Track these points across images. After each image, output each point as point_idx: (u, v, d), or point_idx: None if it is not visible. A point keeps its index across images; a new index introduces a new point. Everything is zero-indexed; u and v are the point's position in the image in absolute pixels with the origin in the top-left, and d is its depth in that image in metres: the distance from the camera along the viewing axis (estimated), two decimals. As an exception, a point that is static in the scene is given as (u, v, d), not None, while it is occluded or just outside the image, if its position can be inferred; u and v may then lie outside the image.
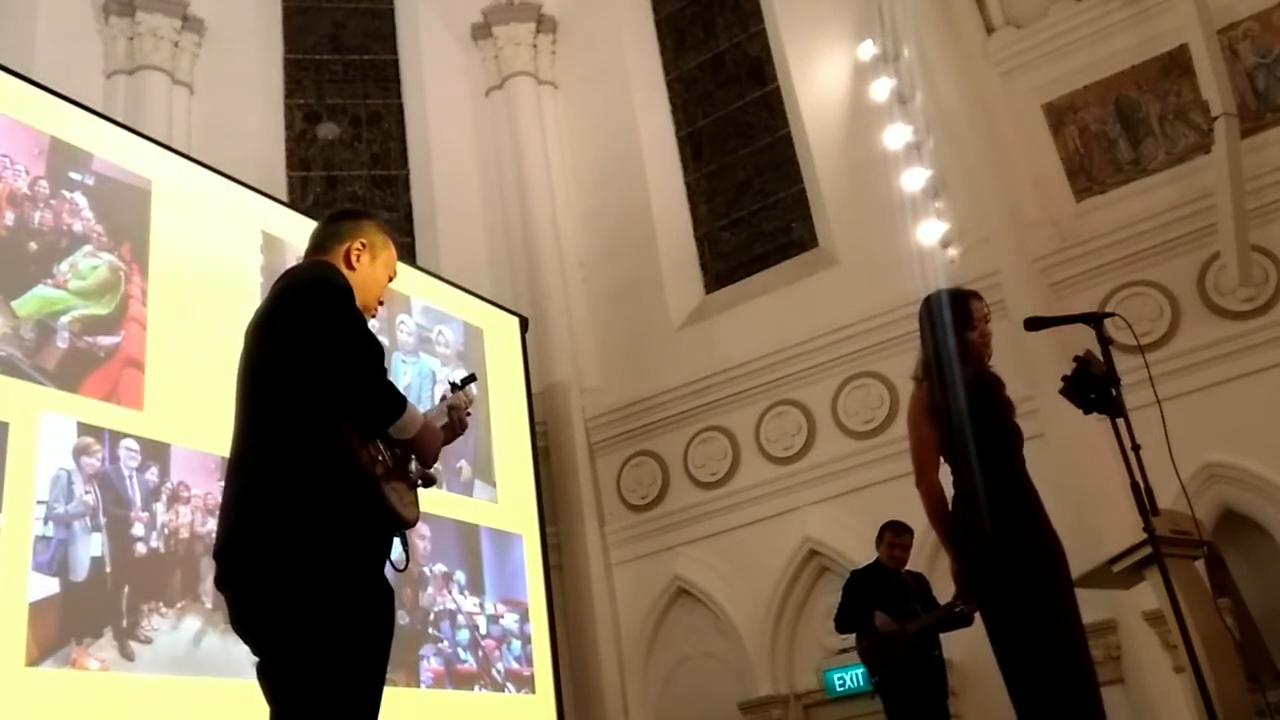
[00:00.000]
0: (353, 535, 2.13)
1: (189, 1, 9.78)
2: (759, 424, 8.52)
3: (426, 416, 2.33)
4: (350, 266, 2.45)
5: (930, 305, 3.37)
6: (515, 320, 8.55)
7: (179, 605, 5.23)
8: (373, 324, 2.39)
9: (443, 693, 6.54)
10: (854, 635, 5.39)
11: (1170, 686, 6.22)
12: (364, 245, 2.49)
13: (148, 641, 5.02)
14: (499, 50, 10.48)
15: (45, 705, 4.57)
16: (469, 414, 2.53)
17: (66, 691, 4.66)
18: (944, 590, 5.71)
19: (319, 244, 2.49)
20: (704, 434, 8.76)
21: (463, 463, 7.28)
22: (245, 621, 2.13)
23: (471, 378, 2.62)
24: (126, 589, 5.04)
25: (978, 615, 3.30)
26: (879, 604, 5.24)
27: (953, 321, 3.31)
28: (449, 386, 2.56)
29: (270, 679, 2.10)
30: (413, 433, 2.24)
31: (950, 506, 3.23)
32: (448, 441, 2.40)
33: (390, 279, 2.58)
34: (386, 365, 2.56)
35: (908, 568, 5.59)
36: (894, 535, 5.52)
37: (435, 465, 2.35)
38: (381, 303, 2.58)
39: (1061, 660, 3.00)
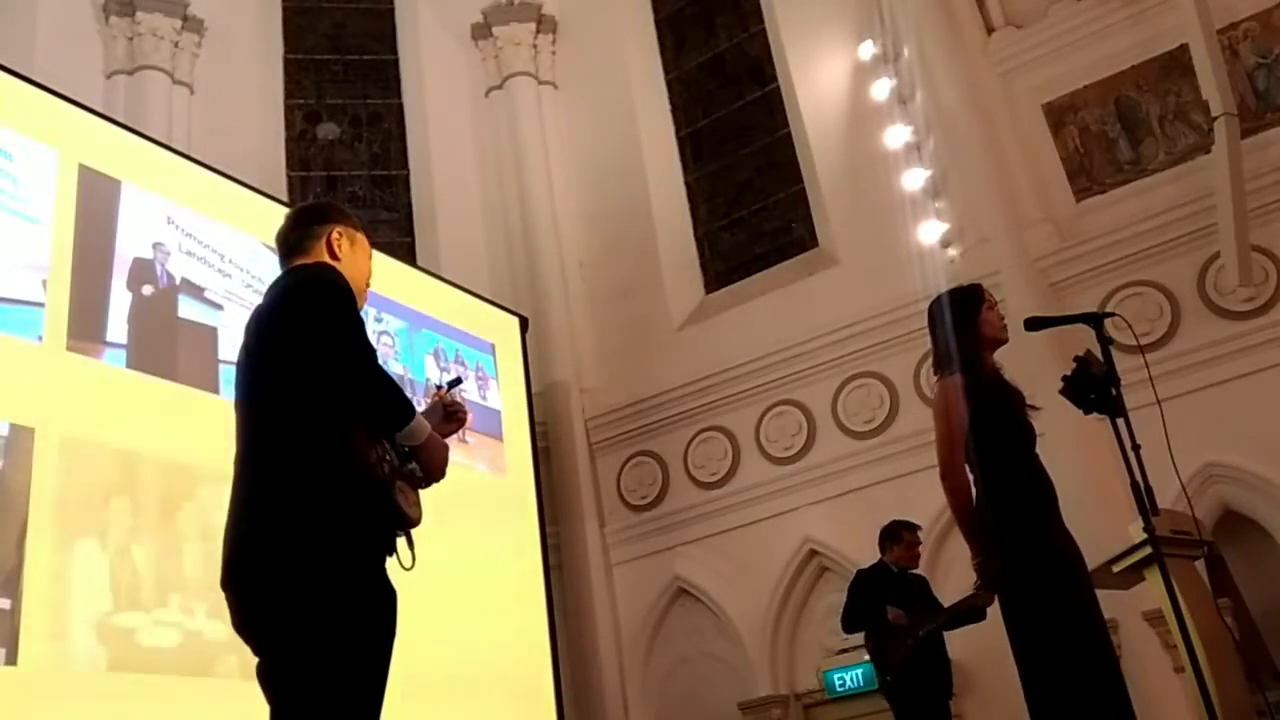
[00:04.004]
0: (360, 535, 2.13)
1: (189, 1, 9.76)
2: (759, 424, 8.51)
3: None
4: (335, 257, 2.44)
5: (939, 301, 3.41)
6: (515, 320, 8.55)
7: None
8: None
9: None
10: (862, 635, 5.38)
11: (1170, 686, 6.21)
12: (340, 234, 2.48)
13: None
14: (499, 50, 10.46)
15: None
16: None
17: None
18: (945, 590, 5.73)
19: (296, 245, 2.46)
20: (704, 434, 8.75)
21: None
22: (249, 622, 2.12)
23: (457, 381, 2.60)
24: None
25: (996, 612, 3.29)
26: (890, 603, 5.23)
27: (966, 311, 3.33)
28: (435, 389, 2.54)
29: (272, 680, 2.09)
30: (419, 440, 2.25)
31: (974, 500, 3.22)
32: None
33: (369, 258, 2.57)
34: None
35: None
36: (911, 534, 5.52)
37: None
38: (368, 283, 2.56)
39: (1090, 657, 2.99)
